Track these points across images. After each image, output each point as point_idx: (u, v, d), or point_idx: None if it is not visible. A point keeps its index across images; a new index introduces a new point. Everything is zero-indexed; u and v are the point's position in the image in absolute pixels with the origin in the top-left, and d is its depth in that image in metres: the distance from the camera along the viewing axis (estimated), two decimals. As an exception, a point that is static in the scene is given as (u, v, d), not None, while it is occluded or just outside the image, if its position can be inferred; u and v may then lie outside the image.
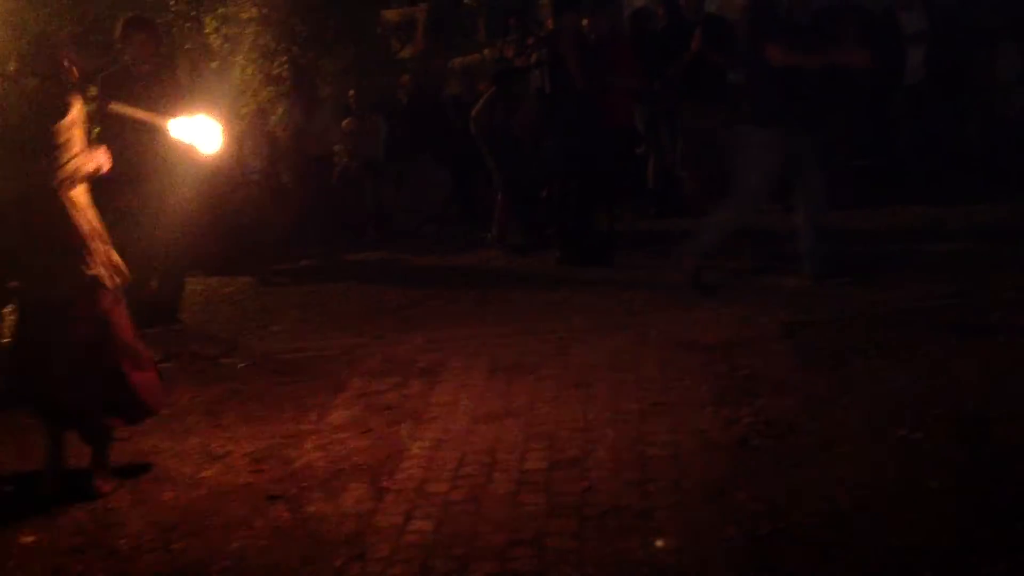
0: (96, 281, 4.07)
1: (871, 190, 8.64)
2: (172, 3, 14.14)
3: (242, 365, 5.77)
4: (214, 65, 15.24)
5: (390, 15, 15.09)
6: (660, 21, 9.23)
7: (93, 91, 6.46)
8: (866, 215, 8.04)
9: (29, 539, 3.73)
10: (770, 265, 6.85)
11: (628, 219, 8.61)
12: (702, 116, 8.22)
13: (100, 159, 4.21)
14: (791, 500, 3.51)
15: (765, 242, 7.00)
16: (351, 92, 10.70)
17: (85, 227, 4.09)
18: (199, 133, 4.83)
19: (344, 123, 10.42)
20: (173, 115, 5.07)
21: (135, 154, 5.92)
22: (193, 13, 14.20)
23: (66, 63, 4.21)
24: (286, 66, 12.73)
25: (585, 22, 7.84)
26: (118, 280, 4.19)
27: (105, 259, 4.15)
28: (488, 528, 3.53)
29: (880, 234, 7.58)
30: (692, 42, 8.22)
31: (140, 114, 5.05)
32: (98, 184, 4.31)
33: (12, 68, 6.15)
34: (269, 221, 9.24)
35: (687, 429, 4.25)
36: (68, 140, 4.03)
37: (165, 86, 6.40)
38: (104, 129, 6.07)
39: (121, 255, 4.31)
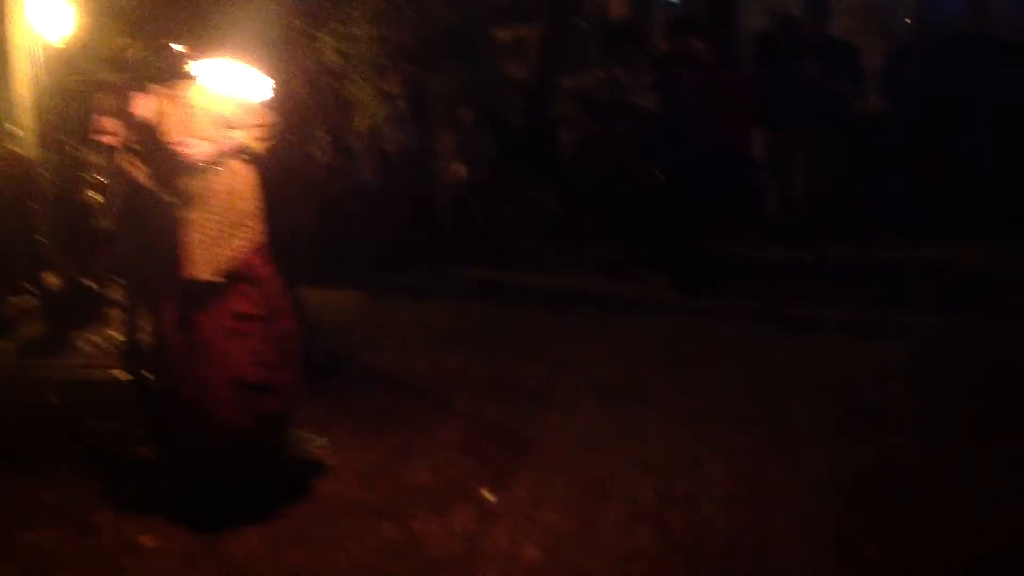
0: None
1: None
2: (289, 20, 14.51)
3: (351, 380, 5.81)
4: (330, 81, 15.54)
5: (502, 35, 15.18)
6: (780, 45, 9.06)
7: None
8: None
9: (148, 542, 3.78)
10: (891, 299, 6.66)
11: (745, 247, 8.42)
12: (824, 143, 8.01)
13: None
14: (923, 554, 3.35)
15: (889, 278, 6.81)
16: (461, 111, 10.76)
17: None
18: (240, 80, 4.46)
19: (453, 141, 10.49)
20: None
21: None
22: (310, 30, 14.58)
23: None
24: (399, 84, 12.93)
25: (700, 45, 7.74)
26: None
27: None
28: (598, 561, 3.47)
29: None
30: (812, 67, 8.04)
31: None
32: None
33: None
34: (378, 236, 9.35)
35: (804, 468, 4.13)
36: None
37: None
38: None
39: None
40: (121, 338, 5.59)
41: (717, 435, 4.55)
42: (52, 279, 8.04)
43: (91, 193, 9.80)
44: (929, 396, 4.87)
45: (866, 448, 4.27)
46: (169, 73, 4.27)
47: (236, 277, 4.02)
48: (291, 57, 13.00)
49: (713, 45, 7.81)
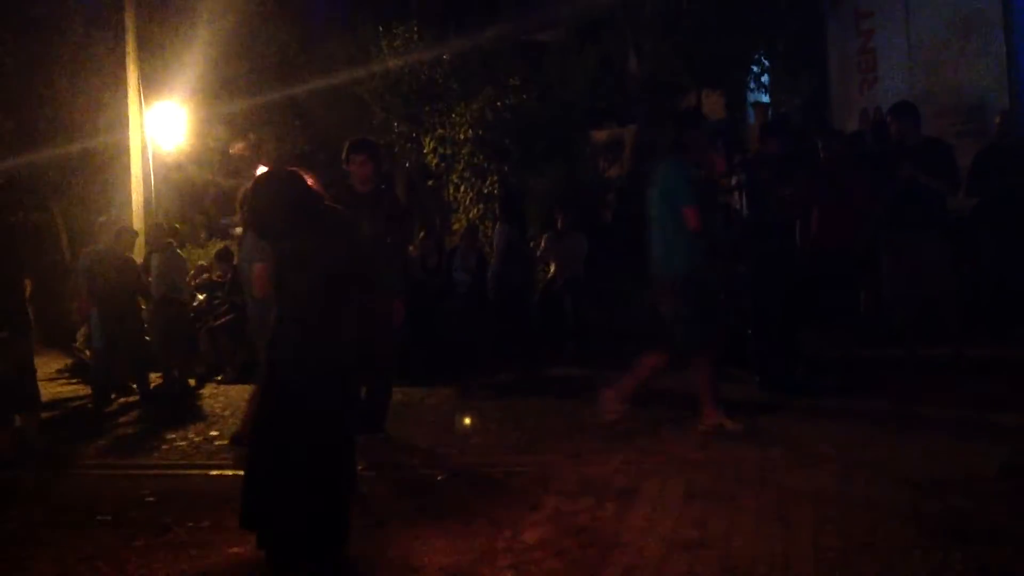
0: None
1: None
2: (396, 124, 15.11)
3: (441, 478, 5.89)
4: (430, 183, 16.04)
5: (599, 135, 15.49)
6: (869, 144, 9.08)
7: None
8: None
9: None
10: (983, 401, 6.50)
11: (840, 346, 8.31)
12: (916, 242, 7.91)
13: None
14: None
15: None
16: (556, 210, 10.96)
17: None
18: None
19: (545, 239, 10.67)
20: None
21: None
22: (414, 134, 15.13)
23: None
24: (496, 185, 13.26)
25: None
26: None
27: None
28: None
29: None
30: (906, 167, 8.00)
31: None
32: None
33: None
34: (472, 334, 9.52)
35: (895, 573, 4.01)
36: None
37: (385, 205, 6.73)
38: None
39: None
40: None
41: (807, 539, 4.46)
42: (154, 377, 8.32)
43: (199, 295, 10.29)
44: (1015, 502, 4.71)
45: (959, 553, 4.13)
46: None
47: None
48: (396, 160, 13.58)
49: (830, 143, 7.86)
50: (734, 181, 8.45)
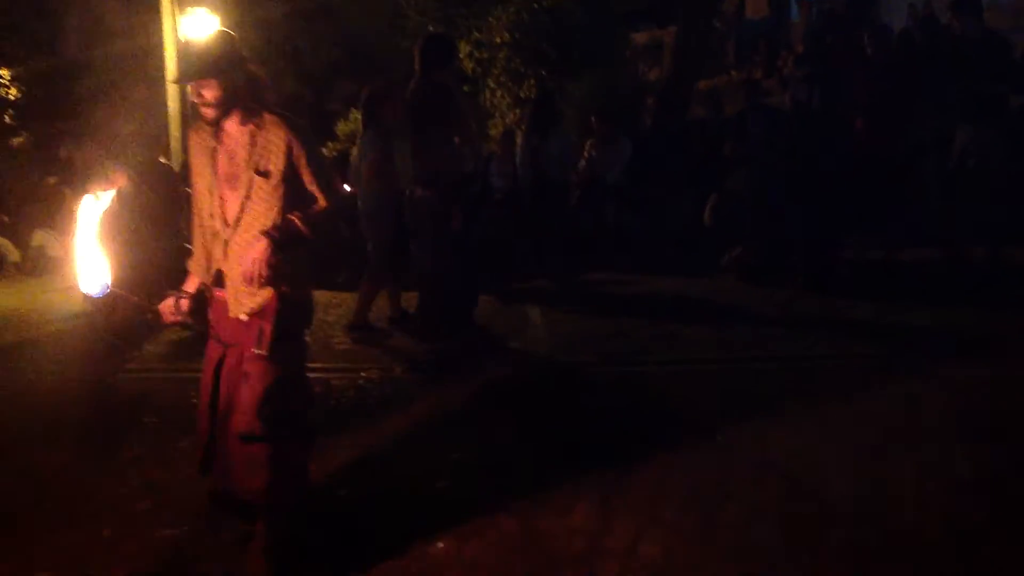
0: None
1: None
2: (431, 28, 14.89)
3: (477, 381, 5.93)
4: (466, 88, 15.86)
5: (639, 38, 15.19)
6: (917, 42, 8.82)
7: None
8: None
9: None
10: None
11: (884, 247, 8.21)
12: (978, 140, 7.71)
13: None
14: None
15: None
16: (593, 116, 10.77)
17: None
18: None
19: (589, 145, 10.52)
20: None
21: None
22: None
23: None
24: (534, 89, 13.06)
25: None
26: None
27: None
28: (718, 559, 3.45)
29: None
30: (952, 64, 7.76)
31: None
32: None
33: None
34: (510, 241, 9.48)
35: (935, 468, 4.01)
36: None
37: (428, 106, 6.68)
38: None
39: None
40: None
41: (846, 433, 4.49)
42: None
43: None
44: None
45: (1001, 447, 4.13)
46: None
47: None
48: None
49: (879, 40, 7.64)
50: (801, 74, 8.20)
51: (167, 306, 3.60)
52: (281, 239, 3.38)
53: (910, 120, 7.83)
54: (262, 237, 3.37)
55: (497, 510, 3.94)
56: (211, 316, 3.63)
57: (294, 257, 3.48)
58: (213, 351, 3.60)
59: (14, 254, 12.06)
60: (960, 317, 6.47)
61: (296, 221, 3.42)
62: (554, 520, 3.83)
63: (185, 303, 3.60)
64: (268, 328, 3.43)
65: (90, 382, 6.31)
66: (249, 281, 3.37)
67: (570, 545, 3.62)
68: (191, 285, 3.66)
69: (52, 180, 12.65)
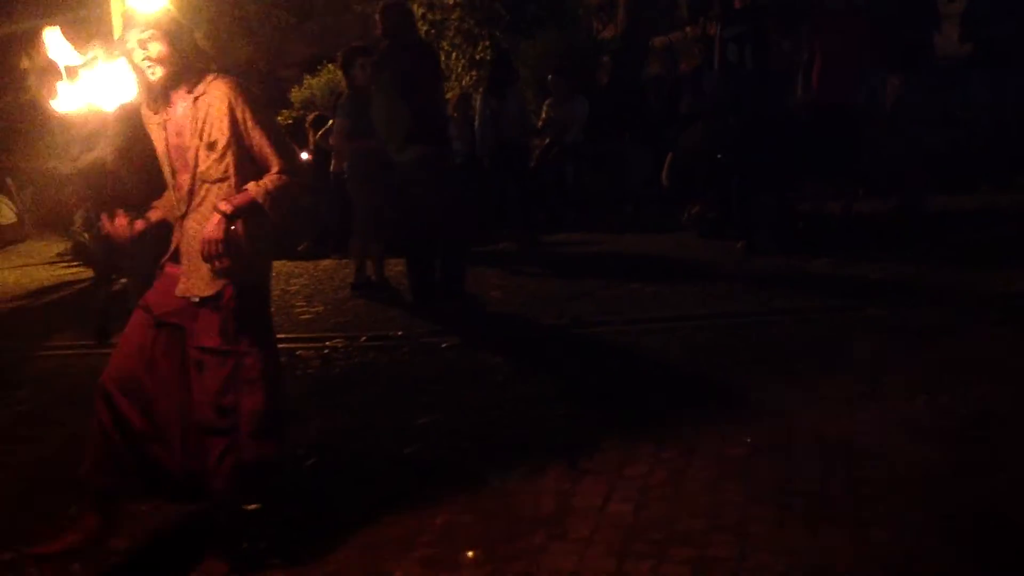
0: None
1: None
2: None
3: (445, 345, 5.93)
4: (420, 51, 15.56)
5: (591, -5, 15.06)
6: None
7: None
8: None
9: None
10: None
11: (840, 200, 8.26)
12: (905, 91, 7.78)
13: None
14: (1015, 500, 3.30)
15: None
16: (550, 75, 10.71)
17: None
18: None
19: (546, 106, 10.47)
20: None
21: None
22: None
23: None
24: (488, 50, 12.95)
25: None
26: None
27: None
28: (687, 514, 3.49)
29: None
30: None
31: None
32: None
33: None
34: (471, 204, 9.43)
35: (897, 419, 4.07)
36: None
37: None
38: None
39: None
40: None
41: (809, 388, 4.52)
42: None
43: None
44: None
45: (962, 396, 4.19)
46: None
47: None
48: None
49: None
50: (733, 32, 8.18)
51: (121, 222, 3.52)
52: (234, 213, 3.28)
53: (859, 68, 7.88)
54: (215, 212, 3.29)
55: (466, 474, 3.96)
56: (155, 286, 3.54)
57: (254, 235, 3.37)
58: (139, 320, 3.50)
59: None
60: (911, 268, 6.53)
61: (250, 191, 3.31)
62: (524, 482, 3.85)
63: (140, 224, 3.53)
64: (232, 323, 3.33)
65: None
66: (207, 259, 3.28)
67: (541, 506, 3.64)
68: (153, 214, 3.58)
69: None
